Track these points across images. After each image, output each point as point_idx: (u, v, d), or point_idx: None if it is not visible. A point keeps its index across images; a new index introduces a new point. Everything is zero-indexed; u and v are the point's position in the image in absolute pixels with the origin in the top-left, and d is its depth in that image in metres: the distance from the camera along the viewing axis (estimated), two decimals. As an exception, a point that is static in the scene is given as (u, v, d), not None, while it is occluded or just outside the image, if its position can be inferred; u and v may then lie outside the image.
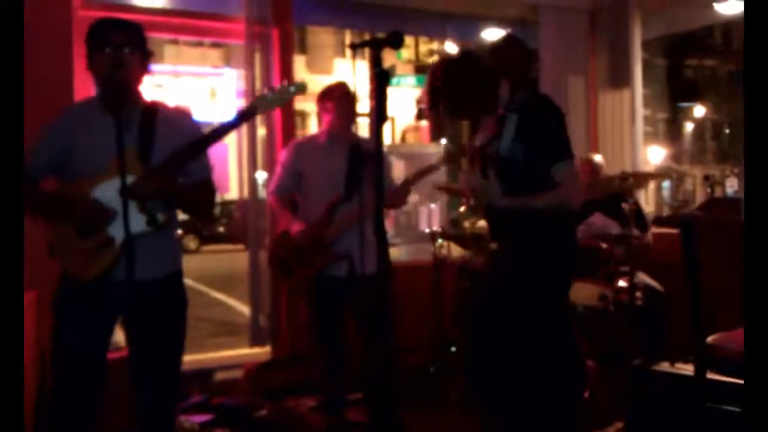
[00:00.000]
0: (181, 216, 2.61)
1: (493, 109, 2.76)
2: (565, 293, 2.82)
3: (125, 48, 2.29)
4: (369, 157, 2.40)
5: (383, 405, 3.35)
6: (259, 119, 4.55)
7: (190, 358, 4.61)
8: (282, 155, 3.66)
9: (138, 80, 2.38)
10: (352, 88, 3.56)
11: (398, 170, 3.80)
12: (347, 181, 3.29)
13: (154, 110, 2.40)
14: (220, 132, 2.34)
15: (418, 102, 23.34)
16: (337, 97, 3.49)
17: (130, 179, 2.17)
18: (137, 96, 2.40)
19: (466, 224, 4.45)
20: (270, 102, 2.41)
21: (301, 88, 2.46)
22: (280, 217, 3.59)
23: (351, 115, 3.51)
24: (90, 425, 2.35)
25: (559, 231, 2.72)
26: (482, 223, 4.26)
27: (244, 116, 2.39)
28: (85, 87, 3.86)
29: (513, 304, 2.71)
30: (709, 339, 2.56)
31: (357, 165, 3.28)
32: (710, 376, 2.40)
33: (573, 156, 2.67)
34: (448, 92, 2.70)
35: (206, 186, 2.48)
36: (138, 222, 2.20)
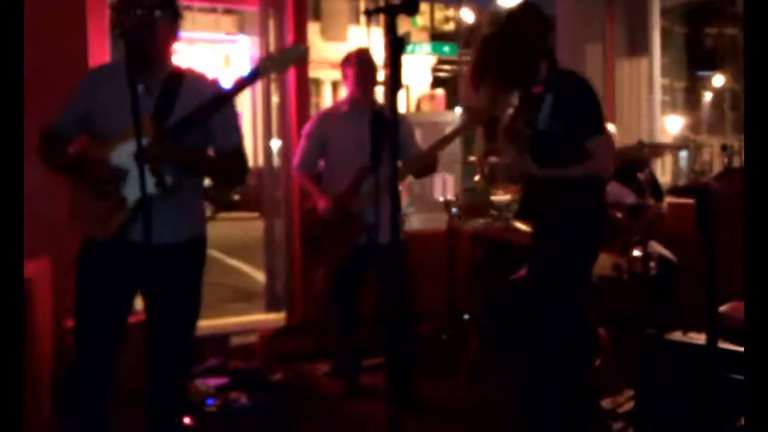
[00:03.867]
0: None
1: (527, 84, 2.86)
2: (592, 259, 2.96)
3: (156, 11, 2.26)
4: (392, 124, 2.41)
5: (402, 373, 3.40)
6: (273, 87, 4.54)
7: (207, 323, 4.68)
8: (306, 127, 3.66)
9: (166, 44, 2.36)
10: (371, 54, 3.54)
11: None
12: (372, 151, 3.28)
13: (179, 76, 2.39)
14: (228, 94, 2.32)
15: (434, 70, 23.17)
16: (355, 64, 3.47)
17: (145, 142, 2.15)
18: (165, 60, 2.38)
19: (480, 194, 4.45)
20: (274, 64, 2.36)
21: (303, 53, 2.43)
22: (307, 191, 3.59)
23: (370, 82, 3.49)
24: (109, 385, 2.40)
25: (593, 200, 2.89)
26: (496, 192, 4.27)
27: (249, 79, 2.33)
28: (99, 52, 3.87)
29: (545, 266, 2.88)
30: (722, 308, 2.56)
31: (381, 133, 3.28)
32: (722, 345, 2.41)
33: (603, 130, 2.80)
34: (496, 65, 2.83)
35: (235, 155, 2.45)
36: (149, 184, 2.16)
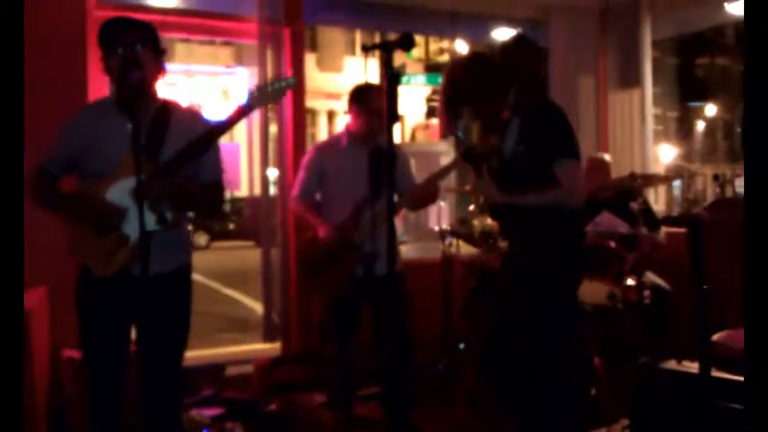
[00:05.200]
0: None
1: (501, 110, 2.79)
2: (572, 287, 2.84)
3: (137, 47, 2.31)
4: (390, 156, 2.42)
5: (400, 403, 3.39)
6: (270, 116, 4.59)
7: (201, 353, 4.69)
8: (304, 158, 3.68)
9: (153, 78, 2.41)
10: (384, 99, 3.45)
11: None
12: (371, 183, 3.29)
13: (167, 110, 2.43)
14: (219, 130, 2.36)
15: (429, 100, 23.35)
16: (368, 112, 3.40)
17: (140, 180, 2.19)
18: (152, 95, 2.43)
19: (475, 222, 4.48)
20: (264, 96, 2.40)
21: (291, 84, 2.46)
22: (305, 220, 3.61)
23: (378, 131, 3.39)
24: (120, 416, 2.44)
25: (566, 227, 2.75)
26: (491, 221, 4.30)
27: (242, 112, 2.38)
28: (100, 87, 3.91)
29: (523, 297, 2.79)
30: (714, 337, 2.58)
31: (379, 168, 3.28)
32: (715, 373, 2.43)
33: (576, 155, 2.70)
34: (462, 91, 2.73)
35: (215, 188, 2.51)
36: (149, 220, 2.22)
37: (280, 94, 2.44)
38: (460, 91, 2.73)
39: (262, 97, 2.40)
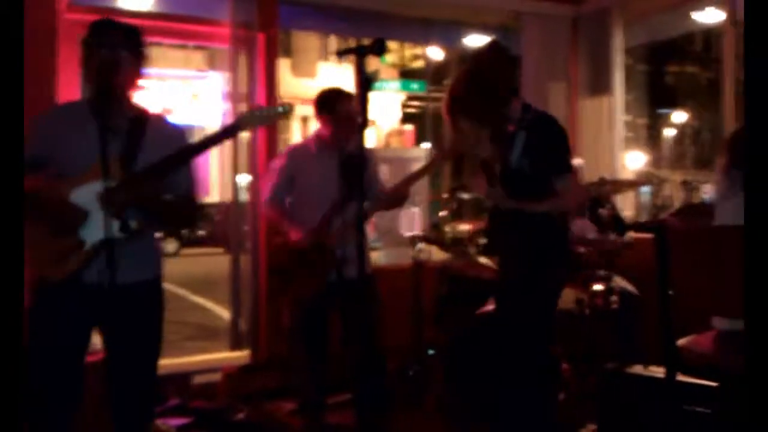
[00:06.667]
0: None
1: (500, 121, 2.89)
2: (557, 290, 2.99)
3: (119, 50, 2.28)
4: (361, 162, 2.41)
5: (373, 408, 3.38)
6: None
7: (169, 362, 4.62)
8: (276, 162, 3.67)
9: (130, 84, 2.37)
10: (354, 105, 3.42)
11: (382, 174, 3.79)
12: (342, 189, 3.28)
13: (144, 118, 2.39)
14: (201, 146, 2.33)
15: (404, 106, 23.47)
16: (341, 117, 3.39)
17: (109, 184, 2.16)
18: (128, 100, 2.38)
19: (447, 228, 4.49)
20: (255, 120, 2.40)
21: (288, 111, 2.46)
22: (279, 224, 3.58)
23: (346, 137, 3.40)
24: (67, 428, 2.33)
25: (557, 231, 2.96)
26: (462, 227, 4.32)
27: (228, 132, 2.38)
28: (69, 88, 3.86)
29: (511, 300, 2.94)
30: (680, 342, 2.61)
31: (350, 171, 3.28)
32: (681, 378, 2.46)
33: (573, 169, 2.93)
34: (470, 101, 2.84)
35: (188, 200, 2.47)
36: (112, 227, 2.18)
37: (271, 120, 2.43)
38: (460, 102, 2.86)
39: (251, 120, 2.38)
